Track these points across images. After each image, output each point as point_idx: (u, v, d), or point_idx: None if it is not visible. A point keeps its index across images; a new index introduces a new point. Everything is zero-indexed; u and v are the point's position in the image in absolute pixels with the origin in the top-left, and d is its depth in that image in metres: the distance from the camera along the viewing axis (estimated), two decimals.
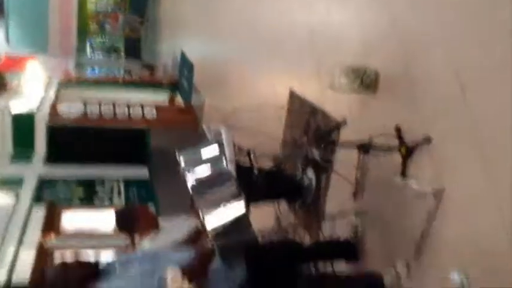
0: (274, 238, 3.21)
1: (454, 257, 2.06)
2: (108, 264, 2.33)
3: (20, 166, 6.64)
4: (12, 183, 6.14)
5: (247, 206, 2.32)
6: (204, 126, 3.20)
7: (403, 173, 2.33)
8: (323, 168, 3.11)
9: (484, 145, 1.92)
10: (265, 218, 3.94)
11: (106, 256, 2.49)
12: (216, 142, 2.78)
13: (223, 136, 2.83)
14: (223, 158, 2.69)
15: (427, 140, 2.23)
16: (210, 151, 2.30)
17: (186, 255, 2.24)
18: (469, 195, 2.00)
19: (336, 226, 2.95)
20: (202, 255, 2.10)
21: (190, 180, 2.10)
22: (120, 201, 6.23)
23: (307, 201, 3.34)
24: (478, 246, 1.94)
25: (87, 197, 6.31)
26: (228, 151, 2.74)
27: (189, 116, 7.23)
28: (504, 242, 1.80)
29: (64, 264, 2.21)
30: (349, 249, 2.78)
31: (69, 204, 6.09)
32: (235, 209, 2.06)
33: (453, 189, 2.08)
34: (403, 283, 2.34)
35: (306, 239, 3.51)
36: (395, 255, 2.41)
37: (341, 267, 2.82)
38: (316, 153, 3.19)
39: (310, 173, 3.28)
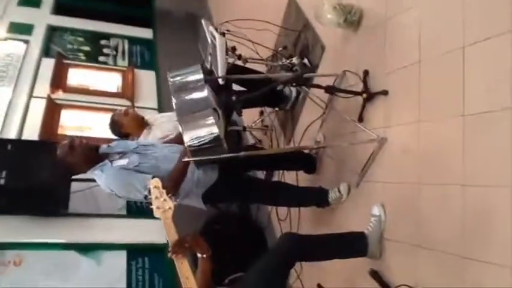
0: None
1: (380, 194, 2.55)
2: (108, 149, 2.83)
3: (29, 12, 6.80)
4: (23, 30, 6.39)
5: (226, 122, 2.73)
6: (203, 22, 3.44)
7: (360, 116, 2.70)
8: (302, 82, 3.43)
9: (424, 114, 2.26)
10: (252, 114, 4.38)
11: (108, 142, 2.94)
12: (211, 43, 3.12)
13: (217, 42, 3.13)
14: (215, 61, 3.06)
15: (384, 92, 2.56)
16: (195, 75, 2.59)
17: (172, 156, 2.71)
18: (401, 152, 2.41)
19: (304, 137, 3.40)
20: (181, 168, 2.58)
21: (175, 101, 2.45)
22: (123, 62, 6.54)
23: (286, 107, 3.73)
24: (395, 196, 2.42)
25: (92, 53, 6.60)
26: (219, 57, 3.08)
27: None
28: (414, 195, 2.27)
29: (72, 141, 2.71)
30: (310, 161, 3.26)
31: (76, 57, 6.42)
32: (211, 129, 2.43)
33: (393, 142, 2.48)
34: (343, 201, 2.87)
35: (281, 138, 4.00)
36: (342, 179, 2.90)
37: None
38: (299, 66, 3.52)
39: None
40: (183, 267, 1.80)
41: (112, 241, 4.21)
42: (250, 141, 4.23)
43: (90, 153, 2.72)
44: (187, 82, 2.54)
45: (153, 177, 2.12)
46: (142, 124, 3.61)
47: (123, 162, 2.64)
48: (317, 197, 2.95)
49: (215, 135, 2.39)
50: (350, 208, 2.86)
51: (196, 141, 2.39)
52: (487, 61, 1.91)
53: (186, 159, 2.45)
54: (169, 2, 7.76)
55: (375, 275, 2.48)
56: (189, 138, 2.39)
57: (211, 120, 2.40)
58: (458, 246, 1.97)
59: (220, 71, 3.11)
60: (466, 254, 1.92)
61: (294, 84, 2.90)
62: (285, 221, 3.73)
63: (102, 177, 2.62)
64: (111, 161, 2.65)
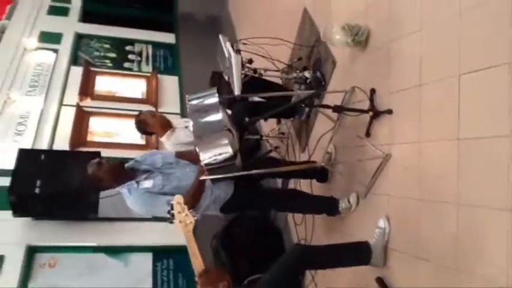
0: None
1: (385, 206, 2.71)
2: (135, 164, 3.07)
3: (58, 21, 7.12)
4: (52, 39, 6.70)
5: (241, 139, 2.92)
6: (221, 37, 3.63)
7: (368, 132, 2.86)
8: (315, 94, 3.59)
9: (424, 135, 2.41)
10: (270, 122, 4.57)
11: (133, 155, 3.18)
12: (227, 58, 3.32)
13: (233, 61, 3.32)
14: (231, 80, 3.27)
15: (389, 111, 2.71)
16: (211, 98, 2.77)
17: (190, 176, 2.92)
18: (404, 169, 2.56)
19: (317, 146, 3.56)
20: (198, 184, 2.80)
21: (192, 123, 2.64)
22: (148, 68, 6.80)
23: (301, 118, 3.91)
24: (398, 209, 2.58)
25: (118, 59, 6.88)
26: (235, 75, 3.29)
27: None
28: (415, 210, 2.43)
29: (99, 160, 2.97)
30: (321, 172, 3.44)
31: (102, 64, 6.70)
32: (225, 149, 2.62)
33: (397, 158, 2.64)
34: (352, 211, 3.05)
35: (296, 146, 4.18)
36: (351, 190, 3.07)
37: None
38: (313, 80, 3.69)
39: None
40: None
41: (139, 244, 4.50)
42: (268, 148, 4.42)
43: (117, 169, 2.96)
44: (204, 105, 2.74)
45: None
46: (167, 126, 3.78)
47: (148, 184, 2.87)
48: (328, 207, 3.13)
49: (229, 154, 2.58)
50: (358, 217, 3.03)
51: (212, 161, 2.60)
52: (479, 90, 2.05)
53: (203, 177, 2.67)
54: (190, 5, 7.94)
55: (381, 282, 2.66)
56: (205, 158, 2.59)
57: (225, 141, 2.59)
58: (452, 259, 2.13)
59: (236, 88, 3.31)
60: (458, 266, 2.09)
61: (306, 103, 3.07)
62: (300, 225, 3.92)
63: (129, 198, 2.86)
64: (137, 182, 2.88)
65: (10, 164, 4.32)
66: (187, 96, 2.80)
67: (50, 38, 6.69)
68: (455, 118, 2.16)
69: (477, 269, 1.99)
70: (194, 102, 2.77)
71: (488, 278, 1.92)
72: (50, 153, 4.76)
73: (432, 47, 2.39)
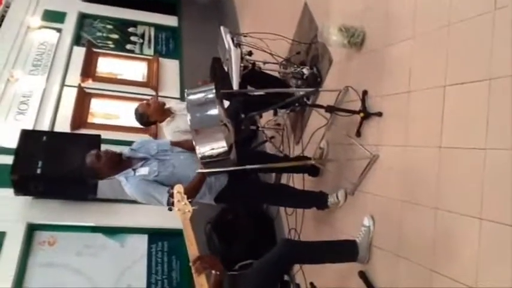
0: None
1: (370, 204, 2.85)
2: (131, 152, 3.18)
3: (62, 0, 7.13)
4: (56, 18, 6.74)
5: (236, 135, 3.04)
6: (222, 29, 3.72)
7: (358, 132, 2.98)
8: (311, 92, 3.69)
9: (409, 140, 2.53)
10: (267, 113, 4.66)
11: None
12: (228, 50, 3.43)
13: (232, 54, 3.43)
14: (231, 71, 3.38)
15: (379, 114, 2.82)
16: (209, 94, 2.86)
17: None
18: (388, 170, 2.69)
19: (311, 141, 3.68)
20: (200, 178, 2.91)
21: (189, 117, 2.73)
22: (149, 51, 6.86)
23: (296, 110, 4.01)
24: (382, 208, 2.71)
25: (121, 41, 6.94)
26: (234, 69, 3.40)
27: None
28: (398, 210, 2.56)
29: (98, 151, 3.09)
30: (313, 166, 3.56)
31: (105, 45, 6.76)
32: (220, 144, 2.74)
33: (384, 159, 2.76)
34: (339, 206, 3.18)
35: (291, 138, 4.30)
36: (340, 186, 3.19)
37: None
38: (308, 75, 3.80)
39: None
40: (199, 278, 2.12)
41: (135, 225, 4.65)
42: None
43: (115, 160, 3.07)
44: (202, 100, 2.84)
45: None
46: (164, 110, 3.89)
47: (144, 171, 2.98)
48: (317, 201, 3.26)
49: (224, 149, 2.70)
50: (346, 212, 3.17)
51: (207, 154, 2.72)
52: (462, 103, 2.16)
53: (200, 170, 2.79)
54: None
55: (363, 276, 2.80)
56: (201, 151, 2.70)
57: (221, 136, 2.70)
58: (428, 260, 2.27)
59: (235, 83, 3.42)
60: (433, 267, 2.23)
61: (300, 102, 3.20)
62: (291, 215, 4.06)
63: (126, 185, 2.98)
64: (134, 170, 3.00)
65: (12, 142, 4.45)
66: (186, 90, 2.91)
67: (53, 17, 6.71)
68: (439, 127, 2.28)
69: (449, 270, 2.13)
70: (193, 96, 2.87)
71: (457, 280, 2.06)
72: (52, 134, 4.88)
73: (422, 56, 2.50)
